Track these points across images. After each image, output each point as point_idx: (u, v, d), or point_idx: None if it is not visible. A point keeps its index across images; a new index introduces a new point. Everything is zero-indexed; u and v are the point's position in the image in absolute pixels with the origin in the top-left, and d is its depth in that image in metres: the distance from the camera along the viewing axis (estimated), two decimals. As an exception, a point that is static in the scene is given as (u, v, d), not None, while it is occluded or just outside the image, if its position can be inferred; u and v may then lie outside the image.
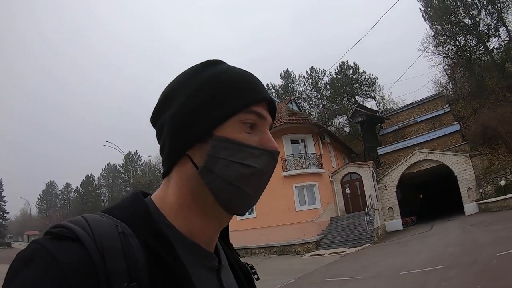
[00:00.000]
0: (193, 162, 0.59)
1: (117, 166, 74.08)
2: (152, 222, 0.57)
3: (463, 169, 21.46)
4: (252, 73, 0.67)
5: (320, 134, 22.22)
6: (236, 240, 20.78)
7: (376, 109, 37.05)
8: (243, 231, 21.47)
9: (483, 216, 16.81)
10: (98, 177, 79.62)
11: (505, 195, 16.53)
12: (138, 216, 0.56)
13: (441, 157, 22.31)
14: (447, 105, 28.82)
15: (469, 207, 20.53)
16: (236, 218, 15.79)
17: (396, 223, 22.65)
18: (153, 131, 0.67)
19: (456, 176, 21.66)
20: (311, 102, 45.36)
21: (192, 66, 0.66)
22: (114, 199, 66.96)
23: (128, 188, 52.01)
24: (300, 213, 19.86)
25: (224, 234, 0.75)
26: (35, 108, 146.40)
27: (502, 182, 17.66)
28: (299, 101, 44.33)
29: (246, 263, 0.79)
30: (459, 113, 27.69)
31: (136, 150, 72.75)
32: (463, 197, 21.22)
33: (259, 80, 0.66)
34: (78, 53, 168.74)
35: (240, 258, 0.79)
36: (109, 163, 78.74)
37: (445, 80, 32.15)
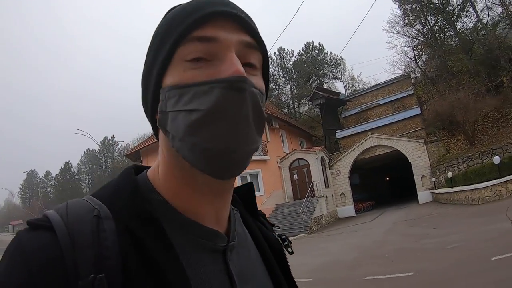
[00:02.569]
0: None
1: (96, 151, 72.30)
2: (138, 200, 0.48)
3: (417, 156, 20.66)
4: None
5: (267, 120, 20.95)
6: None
7: (340, 91, 35.92)
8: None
9: (430, 207, 16.15)
10: (77, 164, 78.46)
11: (452, 188, 15.36)
12: (123, 195, 0.48)
13: (395, 143, 21.40)
14: (410, 87, 27.37)
15: (423, 195, 19.91)
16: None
17: (348, 209, 22.11)
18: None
19: (410, 163, 20.88)
20: (278, 84, 43.58)
21: None
22: (94, 185, 66.49)
23: (106, 174, 50.96)
24: (243, 201, 18.83)
25: (250, 204, 0.66)
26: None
27: (450, 174, 16.41)
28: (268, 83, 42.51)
29: (279, 235, 0.68)
30: (422, 96, 26.27)
31: (113, 135, 71.18)
32: (417, 185, 20.61)
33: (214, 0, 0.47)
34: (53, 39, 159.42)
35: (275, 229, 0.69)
36: (88, 149, 77.04)
37: (405, 62, 30.17)
